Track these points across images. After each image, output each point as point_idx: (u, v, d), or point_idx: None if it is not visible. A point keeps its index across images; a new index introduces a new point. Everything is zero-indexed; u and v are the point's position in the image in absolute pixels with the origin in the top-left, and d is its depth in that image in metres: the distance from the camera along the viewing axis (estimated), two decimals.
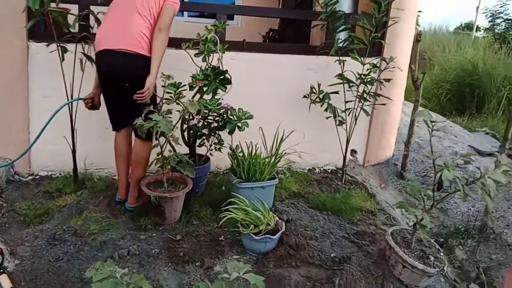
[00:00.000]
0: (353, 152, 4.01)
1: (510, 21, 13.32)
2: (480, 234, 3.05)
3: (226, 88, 2.80)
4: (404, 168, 3.95)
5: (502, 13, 13.40)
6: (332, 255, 2.53)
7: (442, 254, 2.45)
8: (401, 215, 3.32)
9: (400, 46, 3.73)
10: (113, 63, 2.54)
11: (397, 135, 4.25)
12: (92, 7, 2.95)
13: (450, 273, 2.65)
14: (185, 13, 6.25)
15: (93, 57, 2.74)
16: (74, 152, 2.98)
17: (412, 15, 3.76)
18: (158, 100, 2.66)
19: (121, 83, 2.53)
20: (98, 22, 2.79)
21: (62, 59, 2.78)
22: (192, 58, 2.82)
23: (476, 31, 16.17)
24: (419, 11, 4.05)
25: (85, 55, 2.86)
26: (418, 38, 3.71)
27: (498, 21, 13.39)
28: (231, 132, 2.78)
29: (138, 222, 2.70)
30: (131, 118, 2.52)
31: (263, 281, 1.48)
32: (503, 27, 13.24)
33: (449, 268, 2.69)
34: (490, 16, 13.55)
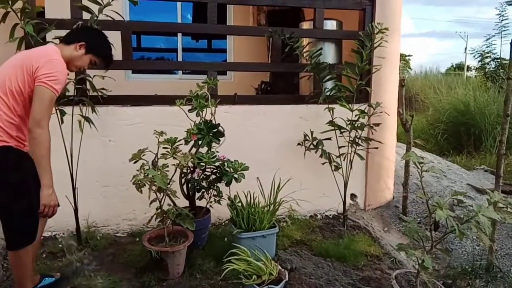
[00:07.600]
0: (353, 196, 4.02)
1: (498, 60, 13.68)
2: (487, 274, 2.98)
3: (219, 140, 2.89)
4: (405, 210, 3.94)
5: (489, 52, 13.79)
6: None
7: None
8: (407, 258, 3.25)
9: (385, 92, 3.86)
10: None
11: (395, 178, 4.27)
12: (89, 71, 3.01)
13: None
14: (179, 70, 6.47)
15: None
16: (76, 211, 3.00)
17: (394, 62, 3.94)
18: None
19: None
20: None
21: (61, 121, 2.88)
22: (186, 114, 2.93)
23: (467, 71, 16.54)
24: (409, 55, 4.25)
25: (83, 116, 2.98)
26: (402, 83, 3.86)
27: (487, 60, 13.75)
28: (228, 184, 2.83)
29: (141, 278, 2.67)
30: None
31: None
32: (493, 66, 13.56)
33: None
34: (479, 56, 13.94)
